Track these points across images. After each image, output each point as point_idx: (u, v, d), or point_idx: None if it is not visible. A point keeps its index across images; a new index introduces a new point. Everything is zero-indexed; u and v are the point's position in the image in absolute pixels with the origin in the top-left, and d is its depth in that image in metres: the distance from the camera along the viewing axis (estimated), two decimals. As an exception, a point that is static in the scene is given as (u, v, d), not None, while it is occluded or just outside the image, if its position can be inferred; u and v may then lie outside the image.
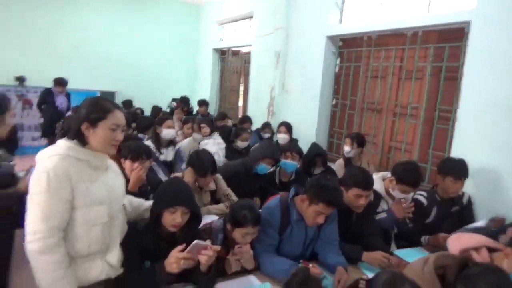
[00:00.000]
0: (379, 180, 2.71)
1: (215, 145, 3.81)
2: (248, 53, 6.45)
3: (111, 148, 1.60)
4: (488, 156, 2.79)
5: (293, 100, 5.09)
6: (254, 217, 1.89)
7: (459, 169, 2.62)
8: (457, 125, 3.04)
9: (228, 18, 7.27)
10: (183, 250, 1.61)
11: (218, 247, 1.68)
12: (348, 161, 3.68)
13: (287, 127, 4.39)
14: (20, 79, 6.56)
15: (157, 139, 3.73)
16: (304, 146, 3.59)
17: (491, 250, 1.76)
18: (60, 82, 5.97)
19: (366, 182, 2.31)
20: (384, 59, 3.92)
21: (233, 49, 7.23)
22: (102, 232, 1.56)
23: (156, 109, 6.05)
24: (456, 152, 3.02)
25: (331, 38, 4.49)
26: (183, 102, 6.39)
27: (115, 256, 1.62)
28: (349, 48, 4.38)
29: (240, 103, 7.32)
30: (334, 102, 4.67)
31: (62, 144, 1.54)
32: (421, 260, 1.53)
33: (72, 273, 1.48)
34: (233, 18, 7.12)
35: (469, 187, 2.80)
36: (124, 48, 7.71)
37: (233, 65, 7.28)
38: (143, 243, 1.75)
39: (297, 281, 1.06)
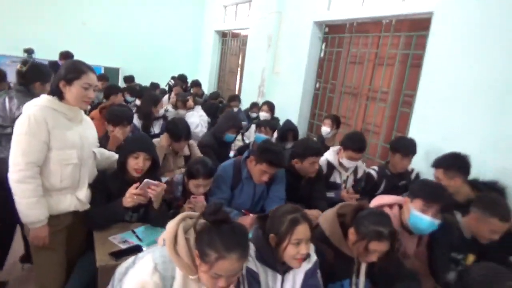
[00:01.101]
0: (333, 153, 3.00)
1: (198, 117, 4.13)
2: (246, 36, 6.71)
3: (83, 104, 1.93)
4: (439, 138, 3.05)
5: (281, 81, 5.37)
6: (206, 171, 2.21)
7: (407, 147, 2.90)
8: (415, 109, 3.30)
9: (231, 1, 7.50)
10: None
11: (164, 185, 2.02)
12: (321, 141, 3.96)
13: (269, 106, 4.68)
14: (28, 51, 6.90)
15: (147, 116, 3.80)
16: None
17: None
18: (66, 55, 6.29)
19: (318, 150, 2.64)
20: (362, 45, 4.17)
21: (233, 31, 7.49)
22: (73, 171, 1.90)
23: (153, 86, 6.36)
24: (412, 133, 3.29)
25: (318, 24, 4.73)
26: (181, 80, 6.69)
27: (83, 193, 1.97)
28: (333, 34, 4.62)
29: (237, 84, 7.61)
30: (317, 85, 4.94)
31: (44, 98, 1.88)
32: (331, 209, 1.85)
33: (44, 202, 1.82)
34: (235, 1, 7.35)
35: (422, 166, 3.07)
36: (130, 26, 8.03)
37: (232, 47, 7.55)
38: (110, 187, 2.09)
39: (209, 211, 1.35)
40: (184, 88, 6.79)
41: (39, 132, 1.78)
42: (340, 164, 2.95)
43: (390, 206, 2.10)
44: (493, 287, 1.11)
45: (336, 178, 2.97)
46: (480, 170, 2.51)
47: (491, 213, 1.97)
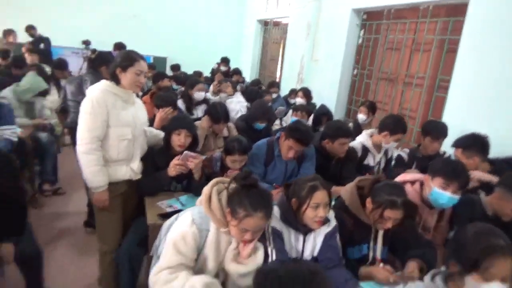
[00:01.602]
0: (367, 136, 3.12)
1: (238, 104, 4.38)
2: (287, 25, 6.86)
3: (136, 88, 2.23)
4: (472, 122, 3.08)
5: (319, 68, 5.49)
6: (241, 147, 2.46)
7: (437, 130, 2.95)
8: (449, 94, 3.33)
9: (272, -10, 7.67)
10: None
11: (202, 157, 2.30)
12: (358, 127, 4.07)
13: (304, 92, 4.83)
14: (86, 43, 7.52)
15: (188, 100, 4.14)
16: None
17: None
18: (120, 46, 6.79)
19: (347, 131, 2.80)
20: (399, 32, 4.20)
21: (275, 20, 7.65)
22: (127, 146, 2.22)
23: (196, 73, 6.71)
24: (446, 117, 3.33)
25: (356, 11, 4.79)
26: (224, 61, 6.98)
27: (136, 164, 2.29)
28: (371, 21, 4.67)
29: (279, 71, 7.79)
30: (355, 72, 5.01)
31: (103, 83, 2.20)
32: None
33: (105, 170, 2.16)
34: (276, -10, 7.50)
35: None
36: (176, 18, 8.47)
37: (273, 36, 7.72)
38: (157, 161, 2.40)
39: (240, 176, 1.60)
40: (227, 71, 7.09)
41: (100, 112, 2.10)
42: (374, 146, 3.07)
43: (412, 182, 2.23)
44: (481, 241, 1.24)
45: (369, 161, 3.09)
46: (506, 153, 2.55)
47: None
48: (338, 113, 5.07)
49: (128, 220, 2.40)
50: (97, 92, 2.13)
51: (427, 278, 1.38)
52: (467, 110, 3.14)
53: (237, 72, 6.84)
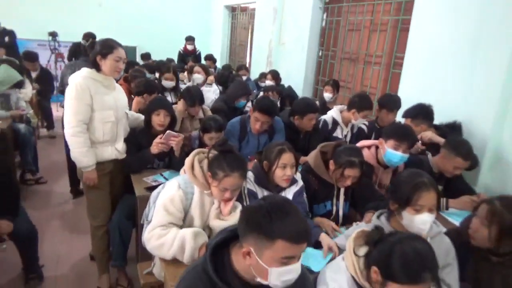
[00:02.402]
0: (337, 111, 3.41)
1: (212, 93, 4.59)
2: (254, 10, 7.04)
3: (115, 73, 2.40)
4: (424, 94, 3.41)
5: (286, 51, 5.74)
6: (217, 125, 2.69)
7: (391, 103, 3.27)
8: (404, 70, 3.66)
9: (238, -24, 7.80)
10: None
11: (182, 135, 2.52)
12: (323, 105, 4.37)
13: (273, 74, 5.10)
14: (53, 34, 7.41)
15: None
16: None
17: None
18: (89, 35, 6.75)
19: (315, 108, 3.08)
20: (358, 13, 4.49)
21: (242, 5, 7.81)
22: (111, 128, 2.40)
23: (168, 60, 6.83)
24: (402, 92, 3.66)
25: (319, -5, 5.05)
26: (189, 39, 7.39)
27: (120, 145, 2.48)
28: (332, 4, 4.94)
29: (248, 56, 7.99)
30: (320, 53, 5.30)
31: (85, 70, 2.36)
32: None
33: (92, 151, 2.34)
34: (242, -24, 7.65)
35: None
36: (143, 6, 8.46)
37: (241, 21, 7.89)
38: (140, 141, 2.60)
39: (218, 143, 1.85)
40: (193, 50, 7.29)
41: (84, 97, 2.27)
42: (343, 121, 3.36)
43: (369, 147, 2.55)
44: (410, 181, 1.54)
45: (338, 133, 3.39)
46: (452, 119, 2.91)
47: (456, 153, 2.38)
48: (306, 93, 5.36)
49: (116, 197, 2.60)
50: (80, 79, 2.30)
51: (374, 217, 1.68)
52: (419, 84, 3.47)
53: (210, 58, 7.00)
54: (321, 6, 5.10)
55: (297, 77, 5.44)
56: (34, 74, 5.35)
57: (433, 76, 3.30)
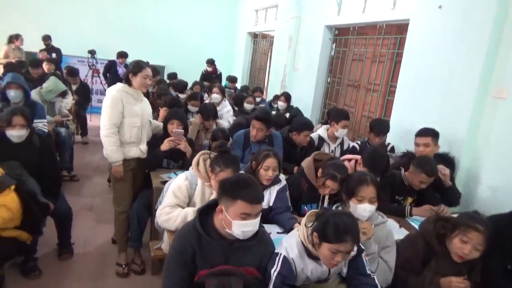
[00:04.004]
0: (324, 129, 3.89)
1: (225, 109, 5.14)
2: (273, 37, 7.67)
3: (143, 88, 2.97)
4: (412, 119, 3.85)
5: (299, 76, 6.29)
6: (224, 135, 3.22)
7: (378, 128, 3.70)
8: (396, 98, 4.11)
9: (261, 6, 8.50)
10: None
11: (184, 138, 3.06)
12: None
13: (285, 96, 5.63)
14: (92, 52, 8.23)
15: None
16: (304, 114, 5.05)
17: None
18: (123, 55, 7.55)
19: (310, 126, 3.57)
20: (362, 46, 5.00)
21: (263, 33, 8.48)
22: (137, 132, 2.96)
23: (193, 84, 7.44)
24: (394, 116, 4.11)
25: (329, 27, 5.60)
26: (208, 62, 7.93)
27: (143, 146, 3.04)
28: (341, 36, 5.48)
29: (266, 80, 8.59)
30: (328, 79, 5.81)
31: (119, 85, 2.95)
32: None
33: (121, 150, 2.89)
34: (264, 5, 8.34)
35: (399, 141, 3.90)
36: (173, 29, 9.30)
37: (261, 47, 8.54)
38: (159, 144, 3.15)
39: (217, 145, 2.37)
40: (212, 71, 7.93)
41: (117, 105, 2.85)
42: (329, 137, 3.84)
43: (350, 160, 3.00)
44: (355, 177, 2.00)
45: (325, 149, 3.86)
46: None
47: (421, 170, 2.79)
48: (314, 114, 5.87)
49: (137, 191, 3.14)
50: (115, 91, 2.89)
51: (334, 206, 2.13)
52: (407, 109, 3.92)
53: (231, 79, 7.65)
54: (331, 37, 5.65)
55: (307, 100, 5.95)
56: (74, 87, 6.09)
57: (418, 102, 3.75)
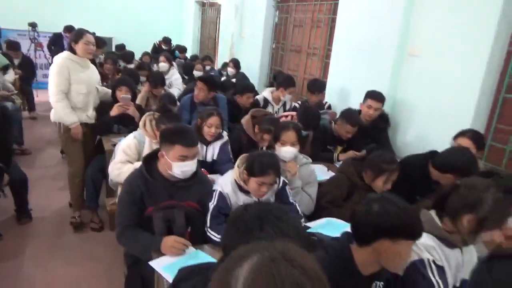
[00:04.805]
0: (268, 91, 4.19)
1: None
2: (220, 5, 7.76)
3: (88, 54, 3.10)
4: (345, 80, 4.23)
5: (246, 44, 6.51)
6: (170, 100, 3.43)
7: (313, 87, 4.07)
8: (331, 60, 4.47)
9: (207, -26, 8.50)
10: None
11: (132, 103, 3.26)
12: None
13: (234, 63, 5.86)
14: (33, 25, 7.90)
15: None
16: (250, 79, 5.29)
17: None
18: (70, 29, 7.32)
19: (252, 88, 3.86)
20: (302, 12, 5.28)
21: (210, 1, 8.51)
22: (83, 99, 3.11)
23: (143, 54, 7.42)
24: (330, 77, 4.48)
25: (272, -5, 5.82)
26: (165, 41, 7.79)
27: (90, 112, 3.20)
28: (283, 3, 5.72)
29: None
30: (273, 45, 6.08)
31: (65, 53, 3.07)
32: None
33: (74, 112, 3.04)
34: (210, -26, 8.35)
35: (334, 100, 4.29)
36: (120, 1, 9.06)
37: (210, 16, 8.60)
38: (108, 110, 3.31)
39: (160, 106, 2.60)
40: (168, 50, 7.90)
41: (63, 72, 2.97)
42: (273, 99, 4.15)
43: (286, 116, 3.35)
44: (279, 125, 2.35)
45: (269, 109, 4.17)
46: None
47: (346, 121, 3.18)
48: (262, 79, 6.16)
49: (89, 155, 3.32)
50: (60, 59, 3.02)
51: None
52: (342, 71, 4.29)
53: (181, 49, 7.70)
54: (273, 5, 5.87)
55: (255, 66, 6.21)
56: (16, 61, 5.94)
57: (350, 63, 4.13)
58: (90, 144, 3.31)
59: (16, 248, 2.91)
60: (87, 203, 3.26)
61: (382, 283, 1.43)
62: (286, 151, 2.32)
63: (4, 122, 3.13)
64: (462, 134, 2.51)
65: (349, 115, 3.21)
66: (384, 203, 1.25)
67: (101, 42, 4.99)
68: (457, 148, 2.37)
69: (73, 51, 3.05)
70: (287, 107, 4.29)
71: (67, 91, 3.01)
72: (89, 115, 3.19)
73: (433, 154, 2.39)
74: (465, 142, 2.42)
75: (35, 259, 2.82)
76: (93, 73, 3.26)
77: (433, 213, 1.62)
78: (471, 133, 2.49)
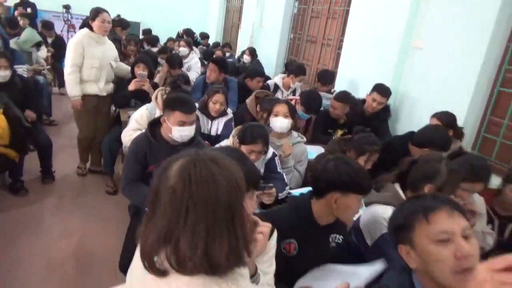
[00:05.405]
0: (279, 77, 4.39)
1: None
2: (244, -5, 7.97)
3: (103, 32, 3.39)
4: (355, 70, 4.38)
5: (265, 33, 6.71)
6: (184, 80, 3.68)
7: (323, 78, 4.25)
8: (342, 51, 4.62)
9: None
10: None
11: (148, 80, 3.53)
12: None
13: (250, 50, 6.07)
14: (67, 7, 8.37)
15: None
16: (267, 67, 5.55)
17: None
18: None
19: (262, 73, 4.07)
20: (319, 3, 5.43)
21: (235, -10, 8.74)
22: (96, 72, 3.41)
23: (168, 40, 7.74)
24: (340, 68, 4.63)
25: (292, -14, 5.99)
26: (187, 33, 8.08)
27: (102, 85, 3.49)
28: (302, -6, 5.89)
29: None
30: (291, 36, 6.25)
31: (83, 30, 3.38)
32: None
33: (79, 86, 3.34)
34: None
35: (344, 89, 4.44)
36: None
37: (234, 5, 8.82)
38: (127, 85, 3.60)
39: (171, 81, 2.87)
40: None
41: (78, 48, 3.29)
42: (283, 85, 4.34)
43: (290, 100, 3.53)
44: (271, 103, 2.56)
45: (279, 95, 4.37)
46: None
47: (335, 99, 3.37)
48: (278, 67, 6.34)
49: (104, 124, 3.67)
50: (78, 35, 3.35)
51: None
52: (351, 62, 4.44)
53: (205, 36, 7.98)
54: (293, -5, 6.04)
55: (272, 55, 6.41)
56: (49, 40, 6.36)
57: (359, 55, 4.27)
58: (102, 116, 3.62)
59: (39, 203, 3.27)
60: (104, 169, 3.59)
61: (341, 236, 1.64)
62: (277, 120, 2.52)
63: (35, 92, 3.47)
64: (433, 115, 2.90)
65: (340, 94, 3.41)
66: (339, 162, 1.46)
67: (124, 24, 5.31)
68: (431, 126, 2.67)
69: (90, 28, 3.35)
70: (297, 94, 4.48)
71: (80, 65, 3.31)
72: (100, 87, 3.47)
73: (412, 134, 2.61)
74: (434, 122, 2.82)
75: (55, 214, 3.18)
76: (109, 49, 3.55)
77: (397, 185, 1.82)
78: (440, 114, 2.85)
